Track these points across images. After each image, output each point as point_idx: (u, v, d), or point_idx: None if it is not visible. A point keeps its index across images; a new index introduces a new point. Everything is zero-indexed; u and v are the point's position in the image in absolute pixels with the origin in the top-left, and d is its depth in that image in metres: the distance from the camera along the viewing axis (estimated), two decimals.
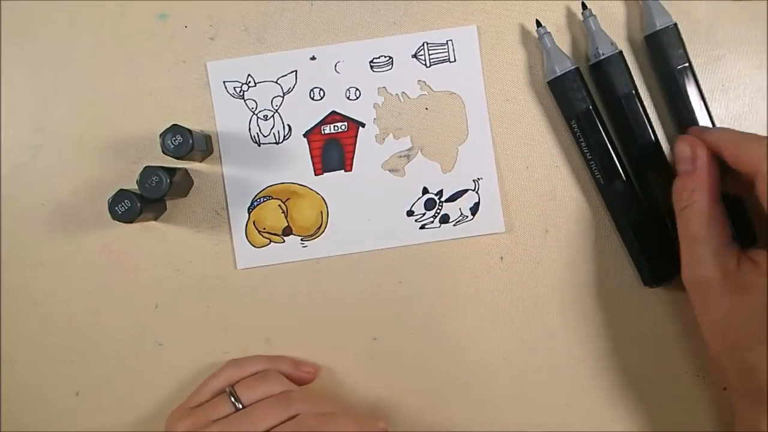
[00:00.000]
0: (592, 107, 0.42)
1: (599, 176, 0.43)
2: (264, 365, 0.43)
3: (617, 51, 0.42)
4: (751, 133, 0.38)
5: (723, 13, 0.44)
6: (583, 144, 0.43)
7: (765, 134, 0.44)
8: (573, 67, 0.42)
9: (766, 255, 0.35)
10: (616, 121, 0.43)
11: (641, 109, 0.42)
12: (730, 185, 0.39)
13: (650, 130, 0.42)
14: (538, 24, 0.43)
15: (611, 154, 0.42)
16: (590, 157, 0.43)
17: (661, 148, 0.43)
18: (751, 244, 0.42)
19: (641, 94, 0.43)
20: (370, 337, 0.45)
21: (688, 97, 0.42)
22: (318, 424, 0.39)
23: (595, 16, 0.42)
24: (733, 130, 0.39)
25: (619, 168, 0.42)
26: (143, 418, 0.45)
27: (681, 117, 0.43)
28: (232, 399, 0.40)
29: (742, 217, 0.42)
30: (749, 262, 0.36)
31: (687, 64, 0.42)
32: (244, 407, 0.40)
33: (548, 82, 0.43)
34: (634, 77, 0.43)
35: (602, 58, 0.42)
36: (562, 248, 0.44)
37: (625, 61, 0.43)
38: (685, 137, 0.39)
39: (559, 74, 0.42)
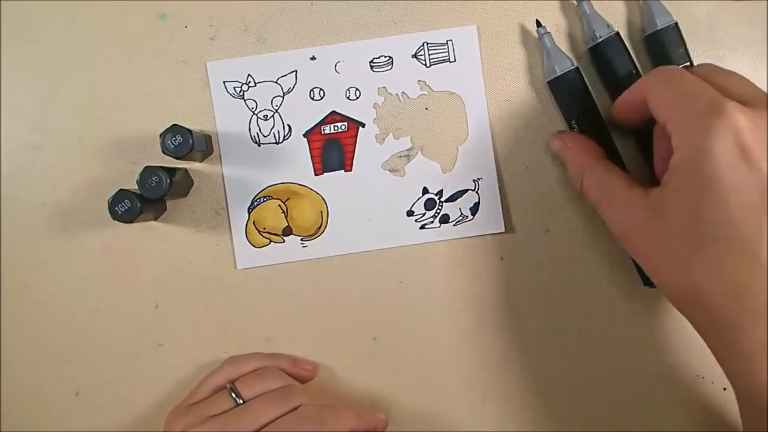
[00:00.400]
0: (592, 107, 0.42)
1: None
2: (263, 362, 0.43)
3: (614, 32, 0.42)
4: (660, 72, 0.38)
5: (723, 13, 0.44)
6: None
7: None
8: (573, 67, 0.42)
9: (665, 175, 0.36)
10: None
11: None
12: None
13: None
14: (538, 24, 0.43)
15: (611, 154, 0.42)
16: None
17: None
18: None
19: None
20: (370, 337, 0.45)
21: None
22: (319, 416, 0.39)
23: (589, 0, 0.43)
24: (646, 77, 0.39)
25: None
26: (143, 418, 0.45)
27: None
28: (233, 395, 0.40)
29: None
30: (654, 186, 0.36)
31: (688, 64, 0.42)
32: (244, 402, 0.40)
33: (548, 82, 0.43)
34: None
35: (600, 40, 0.42)
36: (562, 248, 0.44)
37: (623, 42, 0.43)
38: (553, 135, 0.43)
39: (559, 74, 0.42)
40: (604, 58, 0.43)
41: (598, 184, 0.39)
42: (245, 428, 0.39)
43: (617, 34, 0.42)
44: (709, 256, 0.33)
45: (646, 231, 0.36)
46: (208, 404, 0.40)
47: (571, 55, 0.43)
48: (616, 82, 0.43)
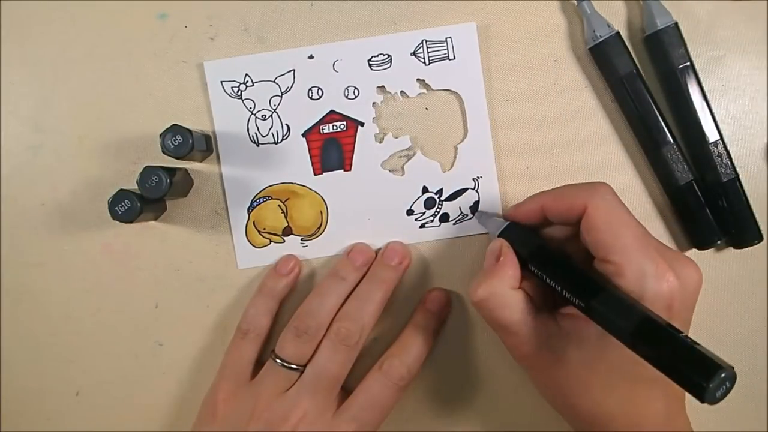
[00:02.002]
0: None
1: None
2: (268, 303, 0.44)
3: (614, 32, 0.42)
4: (561, 186, 0.39)
5: (723, 13, 0.44)
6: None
7: (764, 135, 0.44)
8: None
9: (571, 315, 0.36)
10: (622, 102, 0.43)
11: (645, 89, 0.43)
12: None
13: (655, 109, 0.43)
14: None
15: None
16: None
17: (667, 125, 0.43)
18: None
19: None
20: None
21: (690, 96, 0.42)
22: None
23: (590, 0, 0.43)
24: (547, 191, 0.39)
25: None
26: (143, 418, 0.45)
27: (683, 116, 0.43)
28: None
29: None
30: (566, 317, 0.36)
31: (688, 64, 0.42)
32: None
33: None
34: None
35: (600, 40, 0.42)
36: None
37: (623, 41, 0.43)
38: (497, 239, 0.39)
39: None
40: (605, 57, 0.43)
41: (508, 316, 0.37)
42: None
43: (617, 33, 0.42)
44: (625, 390, 0.35)
45: (543, 364, 0.36)
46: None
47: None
48: (617, 81, 0.43)
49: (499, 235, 0.40)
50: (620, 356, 0.33)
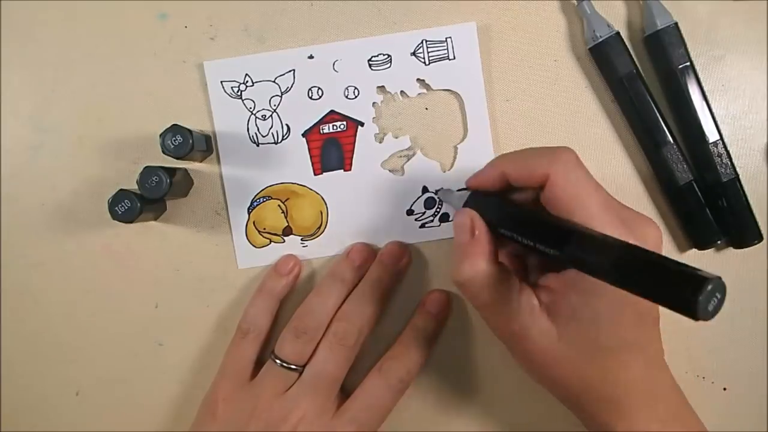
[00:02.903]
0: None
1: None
2: (267, 303, 0.44)
3: (614, 32, 0.42)
4: (523, 150, 0.37)
5: (723, 13, 0.44)
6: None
7: (764, 135, 0.44)
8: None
9: (557, 277, 0.35)
10: (623, 102, 0.43)
11: (645, 89, 0.43)
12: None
13: (655, 109, 0.43)
14: None
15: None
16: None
17: (667, 125, 0.43)
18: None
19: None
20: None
21: (690, 96, 0.42)
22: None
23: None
24: (507, 154, 0.38)
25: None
26: (143, 418, 0.45)
27: (683, 116, 0.43)
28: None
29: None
30: (546, 291, 0.36)
31: (688, 64, 0.42)
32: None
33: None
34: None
35: (600, 40, 0.42)
36: None
37: (623, 41, 0.43)
38: (464, 210, 0.37)
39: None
40: (605, 57, 0.43)
41: (487, 291, 0.36)
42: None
43: (617, 33, 0.42)
44: (603, 359, 0.35)
45: (532, 340, 0.36)
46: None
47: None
48: (617, 81, 0.43)
49: (463, 206, 0.38)
50: (594, 328, 0.34)
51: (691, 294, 0.26)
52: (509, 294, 0.36)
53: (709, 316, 0.26)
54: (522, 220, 0.35)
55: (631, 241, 0.31)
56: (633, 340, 0.34)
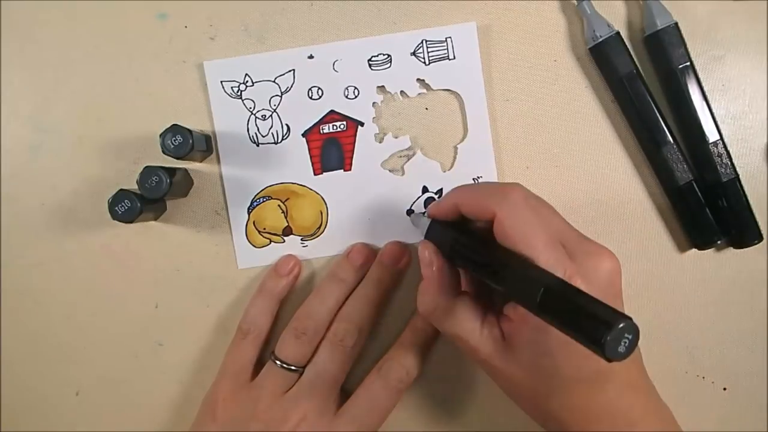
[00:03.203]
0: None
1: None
2: (268, 304, 0.44)
3: (614, 32, 0.42)
4: (478, 185, 0.39)
5: (723, 13, 0.44)
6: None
7: (764, 135, 0.44)
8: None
9: (515, 308, 0.35)
10: (623, 102, 0.43)
11: (645, 89, 0.43)
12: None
13: (655, 109, 0.43)
14: None
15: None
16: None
17: (667, 125, 0.43)
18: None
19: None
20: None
21: (690, 96, 0.42)
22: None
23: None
24: (463, 187, 0.38)
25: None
26: (143, 418, 0.45)
27: (683, 116, 0.43)
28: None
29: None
30: (506, 321, 0.36)
31: (688, 63, 0.42)
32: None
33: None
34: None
35: (600, 40, 0.42)
36: None
37: (623, 41, 0.43)
38: (424, 242, 0.39)
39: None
40: (605, 57, 0.43)
41: (452, 324, 0.37)
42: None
43: (617, 33, 0.42)
44: (566, 390, 0.35)
45: (505, 362, 0.36)
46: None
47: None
48: (617, 81, 0.43)
49: (424, 237, 0.40)
50: (550, 359, 0.34)
51: (600, 333, 0.26)
52: (471, 324, 0.36)
53: (618, 356, 0.26)
54: (468, 255, 0.36)
55: (577, 275, 0.32)
56: (596, 369, 0.34)
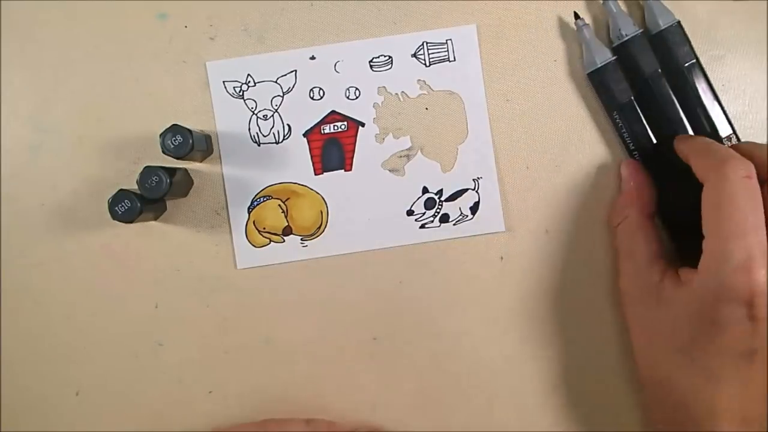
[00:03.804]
0: (631, 101, 0.43)
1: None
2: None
3: (640, 31, 0.42)
4: (710, 144, 0.38)
5: (723, 13, 0.44)
6: (626, 134, 0.43)
7: (764, 135, 0.44)
8: (613, 59, 0.42)
9: (689, 272, 0.35)
10: (646, 102, 0.43)
11: (668, 89, 0.43)
12: None
13: (677, 108, 0.43)
14: (576, 16, 0.43)
15: (654, 144, 0.43)
16: (633, 147, 0.43)
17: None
18: None
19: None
20: (370, 337, 0.45)
21: (699, 93, 0.42)
22: None
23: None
24: (703, 141, 0.39)
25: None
26: (143, 418, 0.45)
27: (694, 113, 0.43)
28: None
29: None
30: (673, 278, 0.36)
31: (694, 61, 0.42)
32: None
33: (588, 74, 0.43)
34: None
35: (626, 39, 0.42)
36: (562, 248, 0.44)
37: (648, 40, 0.43)
38: (628, 161, 0.41)
39: (599, 65, 0.42)
40: (631, 56, 0.42)
41: (629, 239, 0.39)
42: None
43: (643, 32, 0.42)
44: (708, 361, 0.34)
45: (645, 307, 0.36)
46: None
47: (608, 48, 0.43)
48: (642, 80, 0.43)
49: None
50: (690, 338, 0.34)
51: None
52: (652, 246, 0.38)
53: None
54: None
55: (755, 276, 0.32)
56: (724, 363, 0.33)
